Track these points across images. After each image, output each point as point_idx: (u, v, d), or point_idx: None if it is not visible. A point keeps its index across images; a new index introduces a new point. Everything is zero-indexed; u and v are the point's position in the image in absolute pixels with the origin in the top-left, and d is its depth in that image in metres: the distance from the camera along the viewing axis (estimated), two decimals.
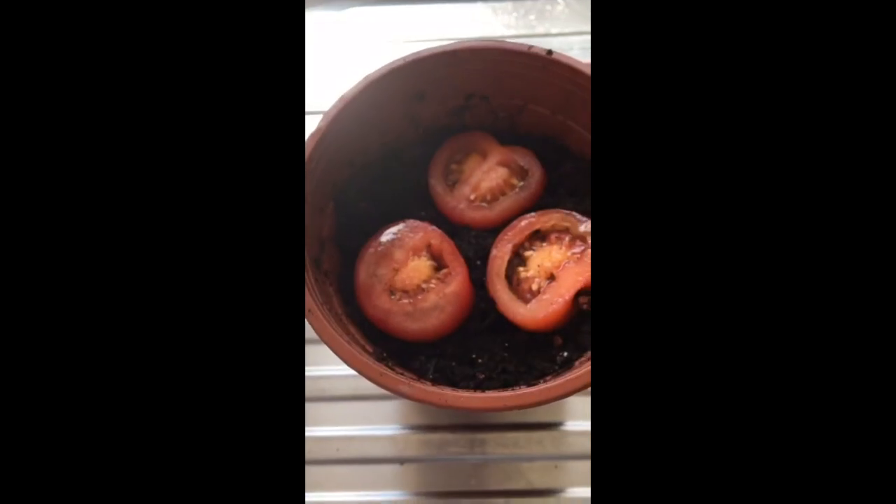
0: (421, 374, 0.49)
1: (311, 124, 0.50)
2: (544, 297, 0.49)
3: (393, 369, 0.46)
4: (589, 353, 0.47)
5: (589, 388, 0.43)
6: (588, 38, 0.80)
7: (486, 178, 0.56)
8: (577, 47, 0.79)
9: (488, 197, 0.56)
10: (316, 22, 0.83)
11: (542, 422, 0.62)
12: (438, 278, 0.51)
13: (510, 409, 0.41)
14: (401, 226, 0.53)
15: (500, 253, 0.52)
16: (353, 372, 0.43)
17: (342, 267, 0.54)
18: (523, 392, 0.41)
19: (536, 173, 0.56)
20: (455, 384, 0.49)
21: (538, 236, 0.53)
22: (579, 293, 0.49)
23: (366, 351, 0.47)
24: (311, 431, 0.63)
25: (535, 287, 0.50)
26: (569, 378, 0.42)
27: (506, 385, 0.48)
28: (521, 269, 0.52)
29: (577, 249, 0.51)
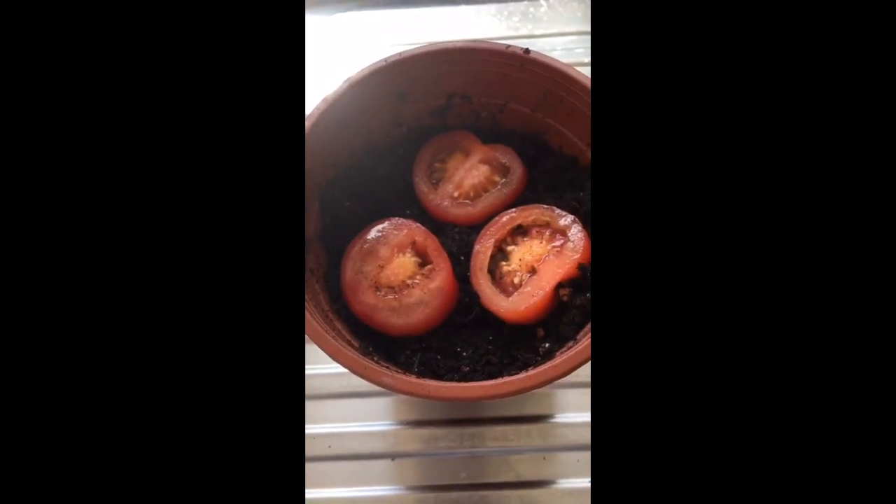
0: (407, 368, 0.50)
1: None
2: (526, 289, 0.50)
3: (378, 363, 0.47)
4: (569, 344, 0.48)
5: (571, 379, 0.44)
6: (570, 38, 0.82)
7: (468, 176, 0.57)
8: (559, 48, 0.81)
9: (471, 194, 0.57)
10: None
11: (532, 414, 0.63)
12: (423, 274, 0.52)
13: (492, 398, 0.42)
14: (386, 224, 0.54)
15: (483, 248, 0.53)
16: (343, 370, 0.44)
17: (329, 265, 0.55)
18: (504, 381, 0.42)
19: (517, 170, 0.57)
20: (440, 376, 0.50)
21: (520, 231, 0.54)
22: (559, 285, 0.50)
23: (352, 346, 0.48)
24: None
25: (516, 280, 0.52)
26: (549, 367, 0.43)
27: (490, 376, 0.49)
28: (503, 263, 0.53)
29: (557, 243, 0.52)
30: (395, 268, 0.53)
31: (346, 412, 0.64)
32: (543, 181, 0.57)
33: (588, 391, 0.63)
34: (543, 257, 0.51)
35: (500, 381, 0.43)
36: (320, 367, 0.65)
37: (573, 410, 0.64)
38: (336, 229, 0.56)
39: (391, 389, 0.43)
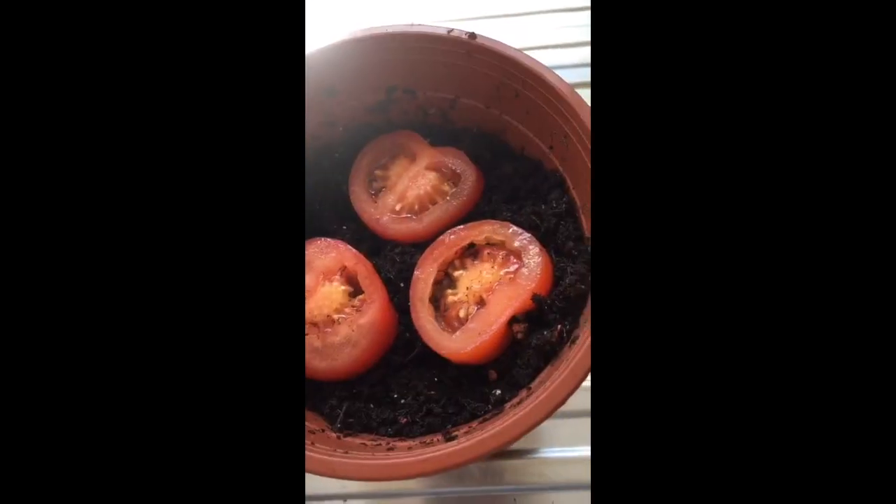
0: (331, 421, 0.42)
1: None
2: (471, 326, 0.42)
3: None
4: (521, 394, 0.40)
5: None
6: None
7: (413, 186, 0.49)
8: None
9: (416, 207, 0.49)
10: None
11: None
12: (353, 306, 0.44)
13: (403, 478, 0.34)
14: (310, 246, 0.46)
15: (424, 274, 0.45)
16: None
17: None
18: (415, 459, 0.34)
19: (470, 178, 0.48)
20: (372, 430, 0.42)
21: (471, 252, 0.46)
22: (513, 320, 0.42)
23: None
24: None
25: (462, 314, 0.43)
26: (483, 437, 0.35)
27: (430, 429, 0.42)
28: (449, 291, 0.45)
29: (511, 268, 0.43)
30: (320, 299, 0.44)
31: None
32: (502, 189, 0.49)
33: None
34: (493, 286, 0.43)
35: (412, 457, 0.35)
36: None
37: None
38: None
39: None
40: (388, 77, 0.48)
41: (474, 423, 0.40)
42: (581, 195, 0.45)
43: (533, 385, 0.40)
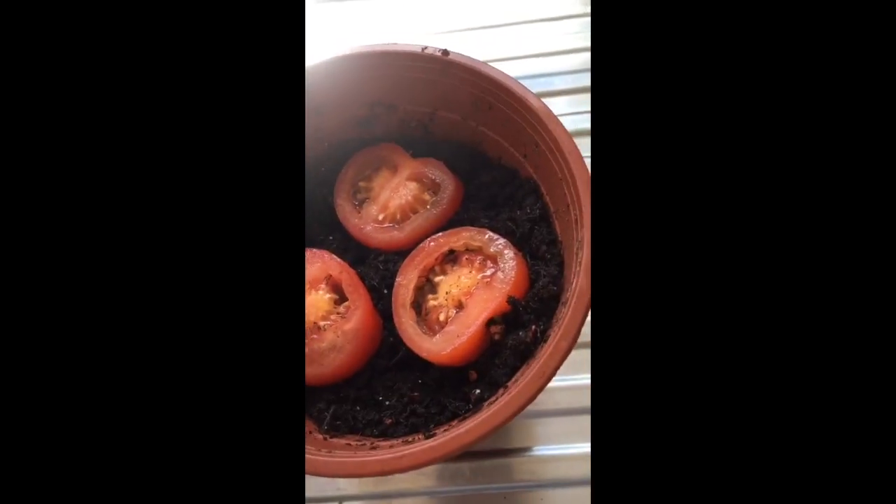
0: (319, 423, 0.44)
1: None
2: (450, 328, 0.44)
3: None
4: (499, 392, 0.42)
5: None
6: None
7: (395, 196, 0.51)
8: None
9: (398, 216, 0.51)
10: None
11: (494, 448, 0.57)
12: (339, 313, 0.46)
13: (386, 473, 0.36)
14: None
15: (405, 280, 0.47)
16: None
17: None
18: (395, 455, 0.36)
19: (449, 187, 0.50)
20: (358, 431, 0.44)
21: (451, 258, 0.48)
22: (491, 321, 0.44)
23: None
24: None
25: (442, 317, 0.45)
26: (457, 433, 0.36)
27: (414, 429, 0.43)
28: (430, 296, 0.47)
29: (488, 272, 0.45)
30: (307, 307, 0.46)
31: None
32: (481, 197, 0.51)
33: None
34: (471, 290, 0.45)
35: (397, 452, 0.37)
36: None
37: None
38: None
39: None
40: (370, 93, 0.51)
41: (454, 422, 0.42)
42: (554, 201, 0.47)
43: (510, 384, 0.42)
